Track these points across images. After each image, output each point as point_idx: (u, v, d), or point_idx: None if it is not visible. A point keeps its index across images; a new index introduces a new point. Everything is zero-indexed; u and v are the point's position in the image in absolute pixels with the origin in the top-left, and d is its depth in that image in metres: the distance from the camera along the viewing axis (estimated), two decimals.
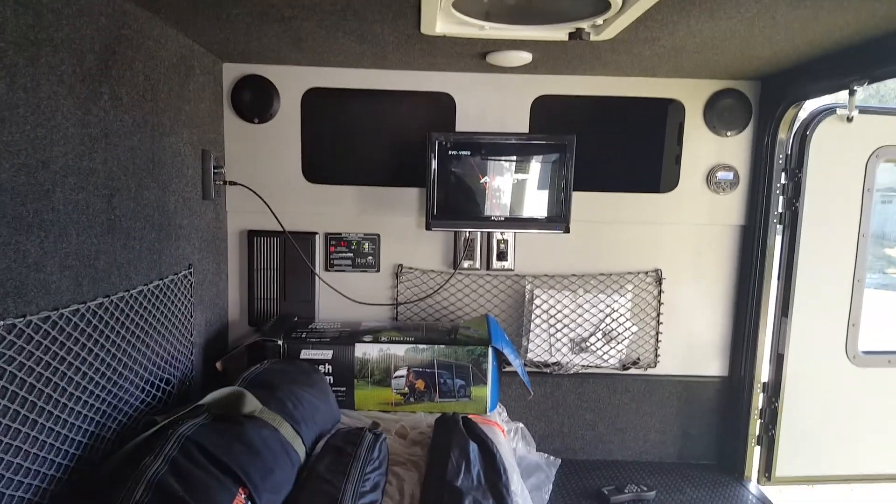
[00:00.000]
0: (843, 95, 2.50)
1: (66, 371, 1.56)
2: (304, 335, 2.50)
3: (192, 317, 2.37)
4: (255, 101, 2.77)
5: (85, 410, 1.64)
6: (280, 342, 2.43)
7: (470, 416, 2.24)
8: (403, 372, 2.43)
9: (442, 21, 1.99)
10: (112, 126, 1.78)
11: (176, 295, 2.22)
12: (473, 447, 1.92)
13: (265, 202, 2.71)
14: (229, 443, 1.59)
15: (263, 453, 1.63)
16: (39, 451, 1.47)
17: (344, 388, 2.42)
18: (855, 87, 2.27)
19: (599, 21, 1.93)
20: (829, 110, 2.67)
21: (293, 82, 2.78)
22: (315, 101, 2.81)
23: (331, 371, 2.42)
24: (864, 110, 2.68)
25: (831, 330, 2.78)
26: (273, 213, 2.72)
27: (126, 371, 1.85)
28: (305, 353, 2.43)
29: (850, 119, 2.60)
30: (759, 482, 2.85)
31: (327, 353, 2.43)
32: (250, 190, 2.70)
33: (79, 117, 1.62)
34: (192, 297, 2.37)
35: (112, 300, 1.77)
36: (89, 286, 1.67)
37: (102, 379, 1.72)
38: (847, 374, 2.80)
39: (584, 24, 1.96)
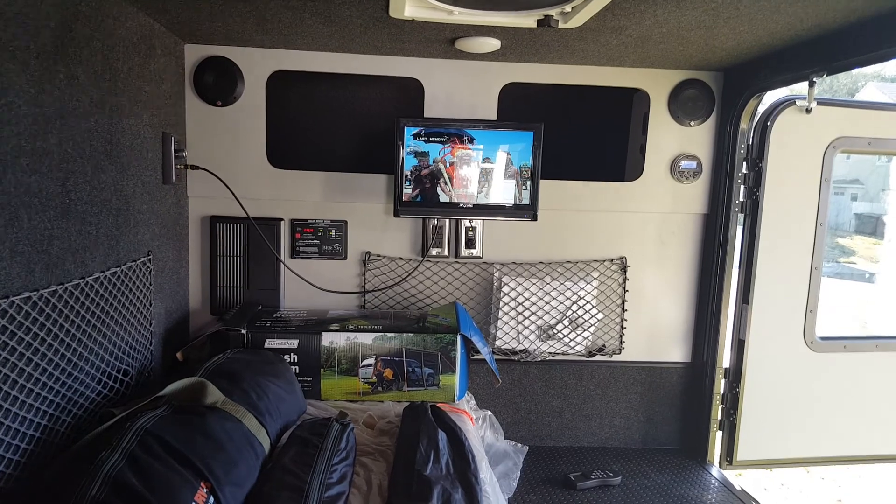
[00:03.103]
0: (801, 87, 2.56)
1: (17, 362, 1.49)
2: (268, 324, 2.45)
3: (151, 305, 2.29)
4: (219, 83, 2.69)
5: (37, 403, 1.57)
6: (243, 331, 2.38)
7: (438, 405, 2.24)
8: (371, 361, 2.41)
9: (411, 4, 1.95)
10: (68, 106, 1.70)
11: (134, 283, 2.15)
12: (442, 436, 1.92)
13: (228, 187, 2.64)
14: (190, 435, 1.55)
15: (226, 446, 1.59)
16: None
17: (310, 378, 2.39)
18: (814, 79, 2.32)
19: (568, 8, 1.93)
20: (789, 102, 2.73)
21: (258, 64, 2.71)
22: (281, 84, 2.75)
23: (296, 360, 2.38)
24: (822, 102, 2.75)
25: (790, 316, 2.86)
26: (236, 199, 2.65)
27: (81, 362, 1.78)
28: (270, 343, 2.39)
29: (808, 110, 2.66)
30: (720, 466, 2.93)
31: (293, 343, 2.39)
32: (213, 174, 2.62)
33: (32, 96, 1.54)
34: (151, 284, 2.29)
35: (66, 288, 1.70)
36: (42, 273, 1.60)
37: (56, 370, 1.65)
38: (805, 360, 2.89)
39: (553, 12, 1.96)
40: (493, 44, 2.38)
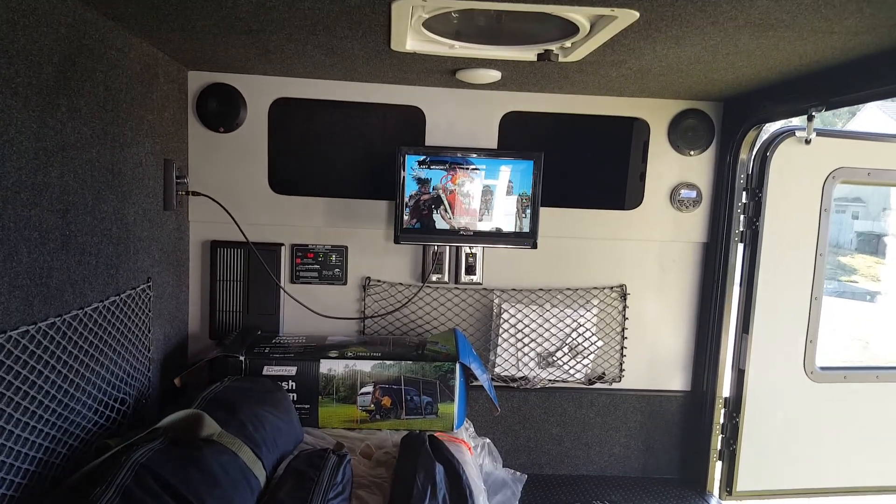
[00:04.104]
0: (802, 117, 2.57)
1: (14, 396, 1.49)
2: (267, 350, 2.45)
3: (149, 332, 2.29)
4: (221, 109, 2.72)
5: (33, 436, 1.57)
6: (242, 358, 2.38)
7: (436, 435, 2.23)
8: (369, 388, 2.40)
9: (412, 39, 1.98)
10: (69, 138, 1.72)
11: (133, 310, 2.15)
12: (439, 469, 1.91)
13: (229, 213, 2.65)
14: (185, 470, 1.54)
15: (221, 481, 1.59)
16: None
17: (308, 406, 2.38)
18: (813, 113, 2.34)
19: (567, 44, 1.95)
20: (789, 132, 2.74)
21: (261, 91, 2.73)
22: (283, 110, 2.77)
23: (294, 388, 2.37)
24: (821, 133, 2.76)
25: (790, 346, 2.85)
26: (236, 224, 2.66)
27: (78, 392, 1.78)
28: (268, 370, 2.38)
29: (808, 141, 2.67)
30: (720, 497, 2.90)
31: (291, 370, 2.39)
32: (213, 200, 2.63)
33: (34, 130, 1.55)
34: (150, 311, 2.29)
35: (65, 319, 1.70)
36: (40, 305, 1.60)
37: (52, 402, 1.65)
38: (805, 390, 2.87)
39: (553, 46, 1.98)
40: (493, 75, 2.40)
